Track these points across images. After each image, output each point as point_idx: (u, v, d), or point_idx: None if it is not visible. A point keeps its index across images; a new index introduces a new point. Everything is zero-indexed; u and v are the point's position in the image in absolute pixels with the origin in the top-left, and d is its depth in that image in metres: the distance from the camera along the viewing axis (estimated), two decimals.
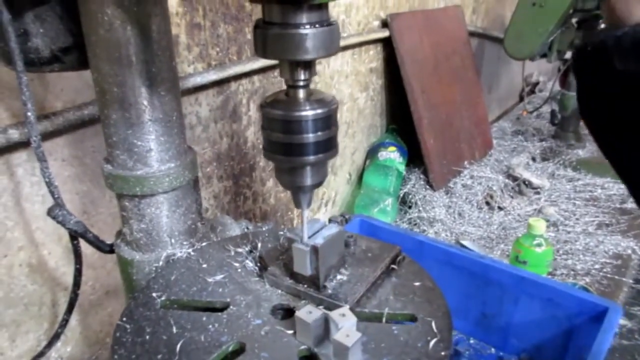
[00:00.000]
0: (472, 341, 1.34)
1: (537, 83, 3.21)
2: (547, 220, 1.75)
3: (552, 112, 2.46)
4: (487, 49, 2.79)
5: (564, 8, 2.03)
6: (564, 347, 1.20)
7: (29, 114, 0.67)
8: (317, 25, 0.50)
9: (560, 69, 2.34)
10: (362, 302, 0.60)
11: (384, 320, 0.57)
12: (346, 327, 0.51)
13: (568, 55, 2.28)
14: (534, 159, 2.27)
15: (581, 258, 1.58)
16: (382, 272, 0.64)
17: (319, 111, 0.55)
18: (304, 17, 0.50)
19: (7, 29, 0.63)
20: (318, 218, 0.62)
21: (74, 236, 0.77)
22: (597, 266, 1.54)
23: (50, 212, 0.73)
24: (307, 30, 0.50)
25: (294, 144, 0.55)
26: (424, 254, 1.32)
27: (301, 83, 0.55)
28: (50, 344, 0.86)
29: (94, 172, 1.03)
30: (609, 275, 1.50)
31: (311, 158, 0.56)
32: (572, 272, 1.52)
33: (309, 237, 0.60)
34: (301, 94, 0.56)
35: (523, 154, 2.28)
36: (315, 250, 0.58)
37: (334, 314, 0.52)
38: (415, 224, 1.77)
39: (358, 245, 0.69)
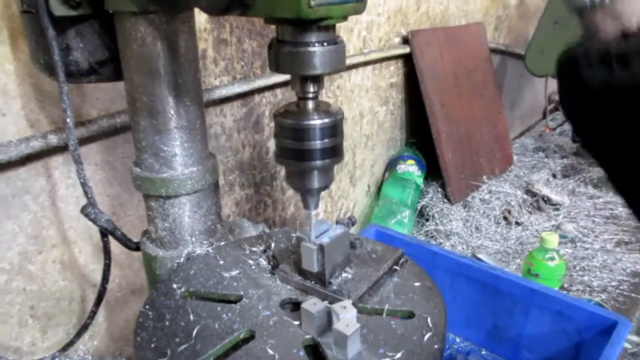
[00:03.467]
0: (483, 352, 1.36)
1: None
2: (565, 237, 1.76)
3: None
4: (510, 66, 2.81)
5: None
6: None
7: (68, 120, 0.74)
8: (324, 44, 0.56)
9: None
10: (364, 299, 0.64)
11: (384, 315, 0.62)
12: (346, 318, 0.55)
13: None
14: (554, 176, 2.27)
15: (598, 275, 1.58)
16: (385, 272, 0.69)
17: (326, 120, 0.60)
18: (312, 37, 0.55)
19: (52, 44, 0.70)
20: (326, 220, 0.67)
21: (104, 233, 0.83)
22: (613, 283, 1.54)
23: (83, 210, 0.79)
24: (315, 49, 0.55)
25: (303, 149, 0.61)
26: (436, 264, 1.35)
27: (310, 95, 0.61)
28: (79, 334, 0.92)
29: (123, 176, 1.10)
30: (625, 293, 1.50)
31: (318, 163, 0.61)
32: (588, 289, 1.52)
33: (317, 237, 0.65)
34: (310, 105, 0.61)
35: (543, 171, 2.28)
36: (321, 248, 0.63)
37: (336, 306, 0.57)
38: (432, 237, 1.80)
39: (363, 247, 0.73)
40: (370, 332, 0.59)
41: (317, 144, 0.60)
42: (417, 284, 0.67)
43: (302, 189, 0.66)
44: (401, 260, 0.72)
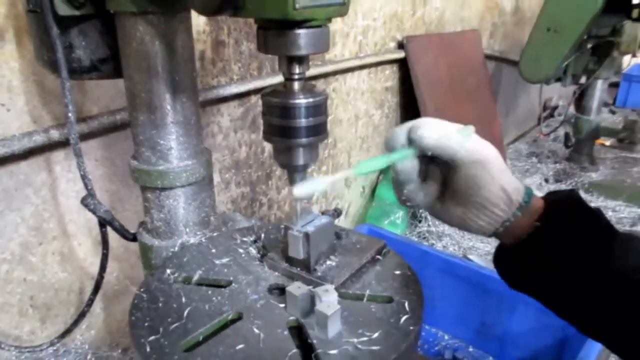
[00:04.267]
0: (470, 349, 1.39)
1: (556, 107, 3.24)
2: None
3: (566, 135, 2.50)
4: (505, 73, 2.86)
5: (579, 33, 2.07)
6: (559, 356, 1.25)
7: (70, 114, 0.78)
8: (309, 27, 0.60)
9: (575, 92, 2.39)
10: (347, 285, 0.68)
11: (364, 300, 0.65)
12: (328, 300, 0.59)
13: (583, 79, 2.33)
14: (546, 180, 2.31)
15: None
16: (368, 261, 0.72)
17: (310, 100, 0.64)
18: None
19: (56, 42, 0.73)
20: (312, 210, 0.71)
21: (102, 224, 0.87)
22: None
23: (83, 201, 0.83)
24: (300, 30, 0.59)
25: (289, 127, 0.65)
26: (427, 263, 1.38)
27: (296, 76, 0.64)
28: (77, 321, 0.95)
29: (122, 173, 1.13)
30: None
31: (303, 140, 0.65)
32: None
33: (302, 226, 0.68)
34: (296, 85, 0.65)
35: (536, 175, 2.32)
36: (307, 236, 0.67)
37: (319, 290, 0.60)
38: (424, 238, 1.84)
39: (349, 237, 0.77)
40: (351, 315, 0.62)
41: (302, 122, 0.64)
42: (397, 272, 0.71)
43: (288, 166, 0.69)
44: (384, 251, 0.75)
